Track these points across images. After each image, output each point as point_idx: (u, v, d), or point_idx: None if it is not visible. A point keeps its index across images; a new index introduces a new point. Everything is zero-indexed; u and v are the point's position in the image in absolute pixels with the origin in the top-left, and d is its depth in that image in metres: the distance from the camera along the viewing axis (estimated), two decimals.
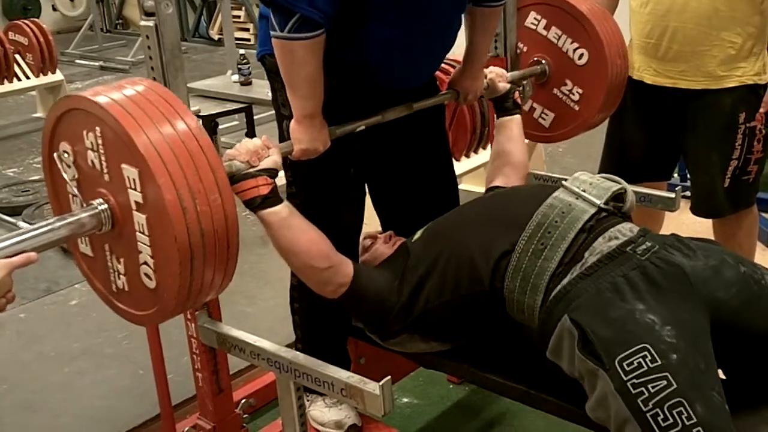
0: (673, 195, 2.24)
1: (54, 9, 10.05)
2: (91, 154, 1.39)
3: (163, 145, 1.30)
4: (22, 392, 2.74)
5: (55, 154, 1.45)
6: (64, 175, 1.45)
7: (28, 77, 5.90)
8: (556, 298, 1.55)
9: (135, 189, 1.33)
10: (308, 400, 2.08)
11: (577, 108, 2.40)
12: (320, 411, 2.09)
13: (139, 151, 1.29)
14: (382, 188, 2.20)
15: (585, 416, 1.61)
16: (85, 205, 1.41)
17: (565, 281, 1.56)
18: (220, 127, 5.62)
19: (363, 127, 1.90)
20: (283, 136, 1.98)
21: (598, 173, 2.73)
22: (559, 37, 2.38)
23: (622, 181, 1.73)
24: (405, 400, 2.57)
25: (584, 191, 1.67)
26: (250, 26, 8.50)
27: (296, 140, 1.77)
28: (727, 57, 2.41)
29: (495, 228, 1.70)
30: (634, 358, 1.40)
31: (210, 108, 4.41)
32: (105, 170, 1.38)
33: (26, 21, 6.02)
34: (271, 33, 1.69)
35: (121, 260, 1.46)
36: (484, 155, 3.81)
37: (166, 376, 2.05)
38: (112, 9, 10.41)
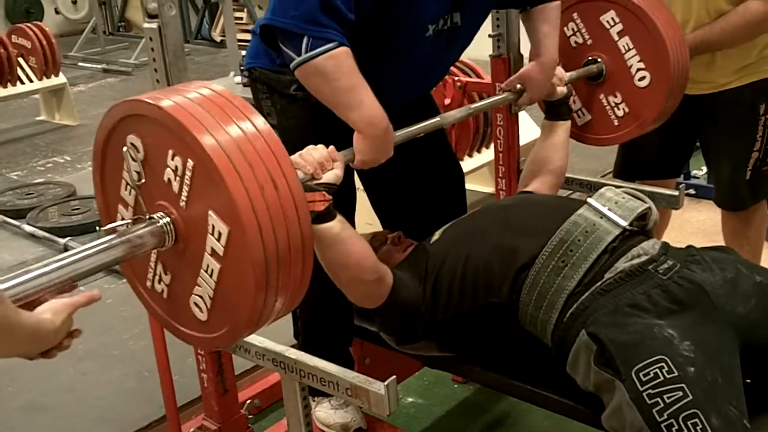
0: (676, 193, 2.23)
1: (57, 12, 10.07)
2: (169, 173, 1.26)
3: (265, 217, 1.19)
4: (27, 393, 2.75)
5: (124, 149, 1.31)
6: (125, 173, 1.32)
7: (31, 80, 5.92)
8: (573, 315, 1.55)
9: (218, 240, 1.23)
10: (314, 402, 2.08)
11: (616, 123, 2.30)
12: (326, 413, 2.09)
13: (242, 222, 1.18)
14: (381, 189, 2.19)
15: (590, 415, 1.61)
16: (146, 216, 1.30)
17: (583, 298, 1.56)
18: None
19: (422, 134, 1.86)
20: None
21: (614, 172, 2.75)
22: (629, 49, 2.23)
23: (647, 199, 1.71)
24: (410, 399, 2.57)
25: (610, 210, 1.65)
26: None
27: (357, 150, 1.68)
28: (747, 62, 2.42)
29: (516, 239, 1.69)
30: (651, 368, 1.40)
31: None
32: (183, 198, 1.26)
33: (29, 24, 6.04)
34: (292, 66, 1.64)
35: (169, 274, 1.37)
36: (487, 155, 3.82)
37: (171, 377, 2.05)
38: (115, 12, 10.43)
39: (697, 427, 1.35)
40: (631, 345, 1.44)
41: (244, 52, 5.36)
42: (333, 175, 1.55)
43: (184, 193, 1.26)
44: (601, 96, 2.32)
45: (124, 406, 2.62)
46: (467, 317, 1.70)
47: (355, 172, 2.01)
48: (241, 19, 8.58)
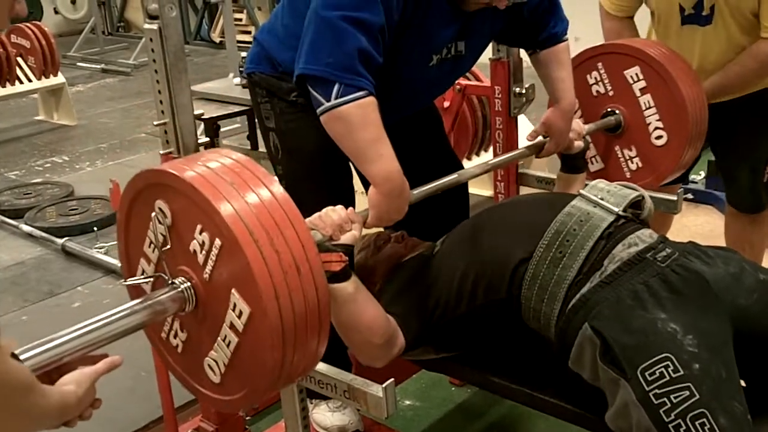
0: (675, 197, 2.23)
1: (56, 12, 10.07)
2: (196, 245, 1.26)
3: (286, 302, 1.21)
4: None
5: (152, 213, 1.31)
6: (151, 233, 1.33)
7: (30, 80, 5.92)
8: (575, 307, 1.55)
9: (238, 317, 1.24)
10: (312, 404, 2.08)
11: (628, 176, 2.29)
12: (323, 415, 2.09)
13: (264, 308, 1.19)
14: None
15: (587, 418, 1.61)
16: (168, 280, 1.31)
17: (584, 290, 1.55)
18: (221, 129, 5.61)
19: (440, 191, 1.87)
20: (270, 148, 2.00)
21: None
22: (649, 106, 2.22)
23: (640, 188, 1.72)
24: (407, 402, 2.57)
25: (602, 199, 1.66)
26: (252, 29, 8.53)
27: (372, 205, 1.68)
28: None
29: (512, 237, 1.69)
30: (657, 367, 1.39)
31: (211, 111, 4.41)
32: (207, 271, 1.27)
33: (28, 24, 6.03)
34: (319, 111, 1.64)
35: (185, 332, 1.38)
36: (485, 157, 3.81)
37: (168, 377, 2.05)
38: (114, 12, 10.43)
39: (705, 427, 1.35)
40: (635, 343, 1.44)
41: (243, 54, 5.39)
42: (351, 236, 1.56)
43: (209, 267, 1.26)
44: (616, 147, 2.32)
45: (122, 406, 2.61)
46: (465, 319, 1.70)
47: (354, 174, 2.01)
48: (241, 20, 8.59)
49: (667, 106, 2.19)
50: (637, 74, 2.24)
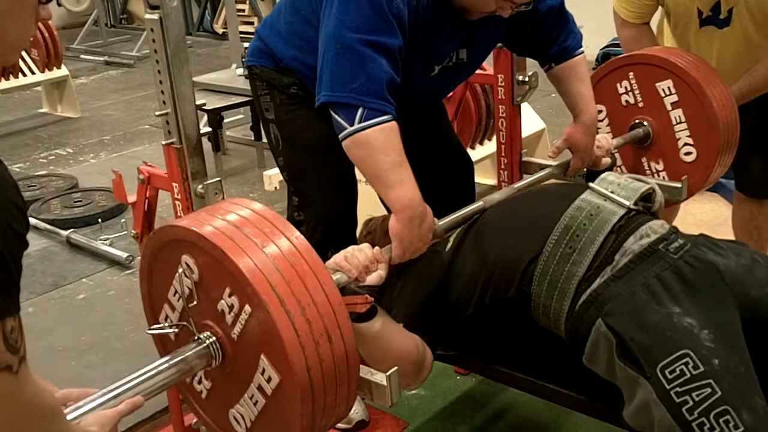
0: (679, 185, 2.22)
1: (59, 4, 10.04)
2: (224, 306, 1.25)
3: (317, 372, 1.20)
4: None
5: (180, 270, 1.29)
6: (176, 284, 1.32)
7: (33, 72, 5.91)
8: (586, 302, 1.53)
9: (267, 382, 1.24)
10: None
11: None
12: None
13: (295, 380, 1.18)
14: None
15: (590, 406, 1.61)
16: (194, 335, 1.30)
17: (594, 285, 1.53)
18: (225, 120, 5.60)
19: (463, 222, 1.84)
20: (270, 140, 2.01)
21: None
22: (680, 121, 2.20)
23: (650, 180, 1.71)
24: (412, 391, 2.57)
25: (612, 192, 1.64)
26: (255, 20, 8.51)
27: (393, 235, 1.64)
28: None
29: (521, 235, 1.68)
30: (676, 365, 1.38)
31: (215, 102, 4.41)
32: (236, 333, 1.25)
33: None
34: (341, 136, 1.64)
35: (210, 381, 1.37)
36: (489, 147, 3.81)
37: None
38: (117, 4, 10.42)
39: (729, 425, 1.33)
40: (652, 340, 1.42)
41: (246, 45, 5.38)
42: (377, 276, 1.55)
43: (237, 329, 1.25)
44: (644, 159, 2.30)
45: None
46: (474, 318, 1.69)
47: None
48: (244, 11, 8.57)
49: (699, 124, 2.17)
50: (669, 88, 2.21)
